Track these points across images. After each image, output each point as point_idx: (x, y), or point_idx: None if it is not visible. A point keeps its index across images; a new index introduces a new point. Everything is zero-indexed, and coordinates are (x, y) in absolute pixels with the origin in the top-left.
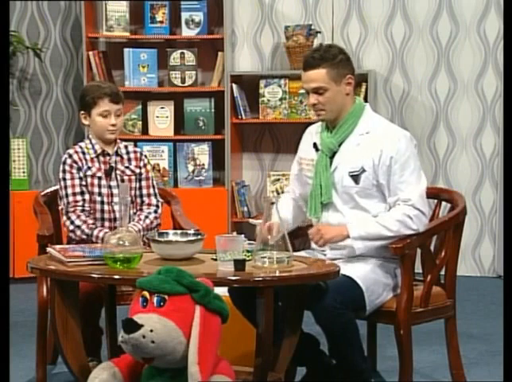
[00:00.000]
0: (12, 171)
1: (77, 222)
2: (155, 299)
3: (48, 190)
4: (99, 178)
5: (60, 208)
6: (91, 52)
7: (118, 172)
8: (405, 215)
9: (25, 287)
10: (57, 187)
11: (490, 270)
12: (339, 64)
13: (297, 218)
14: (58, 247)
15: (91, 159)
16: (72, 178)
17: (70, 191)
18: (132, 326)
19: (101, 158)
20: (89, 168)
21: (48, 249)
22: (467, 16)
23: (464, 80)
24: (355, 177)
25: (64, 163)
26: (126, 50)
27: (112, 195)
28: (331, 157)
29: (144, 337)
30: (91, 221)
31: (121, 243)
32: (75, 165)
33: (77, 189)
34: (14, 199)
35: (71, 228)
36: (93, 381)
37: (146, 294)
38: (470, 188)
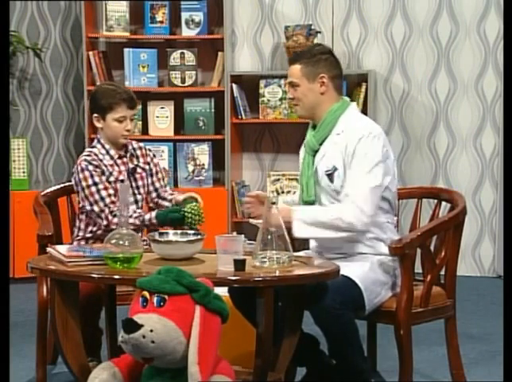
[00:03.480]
0: (12, 171)
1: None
2: (155, 299)
3: (48, 190)
4: (122, 181)
5: (106, 213)
6: (91, 52)
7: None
8: (341, 207)
9: (25, 287)
10: (57, 187)
11: (490, 270)
12: (315, 63)
13: None
14: (58, 247)
15: (110, 164)
16: (101, 181)
17: (104, 193)
18: (132, 326)
19: (118, 161)
20: (110, 173)
21: (48, 249)
22: (467, 16)
23: (464, 80)
24: (330, 176)
25: (86, 169)
26: (126, 50)
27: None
28: (315, 156)
29: (144, 337)
30: (137, 213)
31: (121, 243)
32: (98, 169)
33: (111, 191)
34: (14, 199)
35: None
36: (93, 381)
37: (146, 294)
38: (470, 188)
